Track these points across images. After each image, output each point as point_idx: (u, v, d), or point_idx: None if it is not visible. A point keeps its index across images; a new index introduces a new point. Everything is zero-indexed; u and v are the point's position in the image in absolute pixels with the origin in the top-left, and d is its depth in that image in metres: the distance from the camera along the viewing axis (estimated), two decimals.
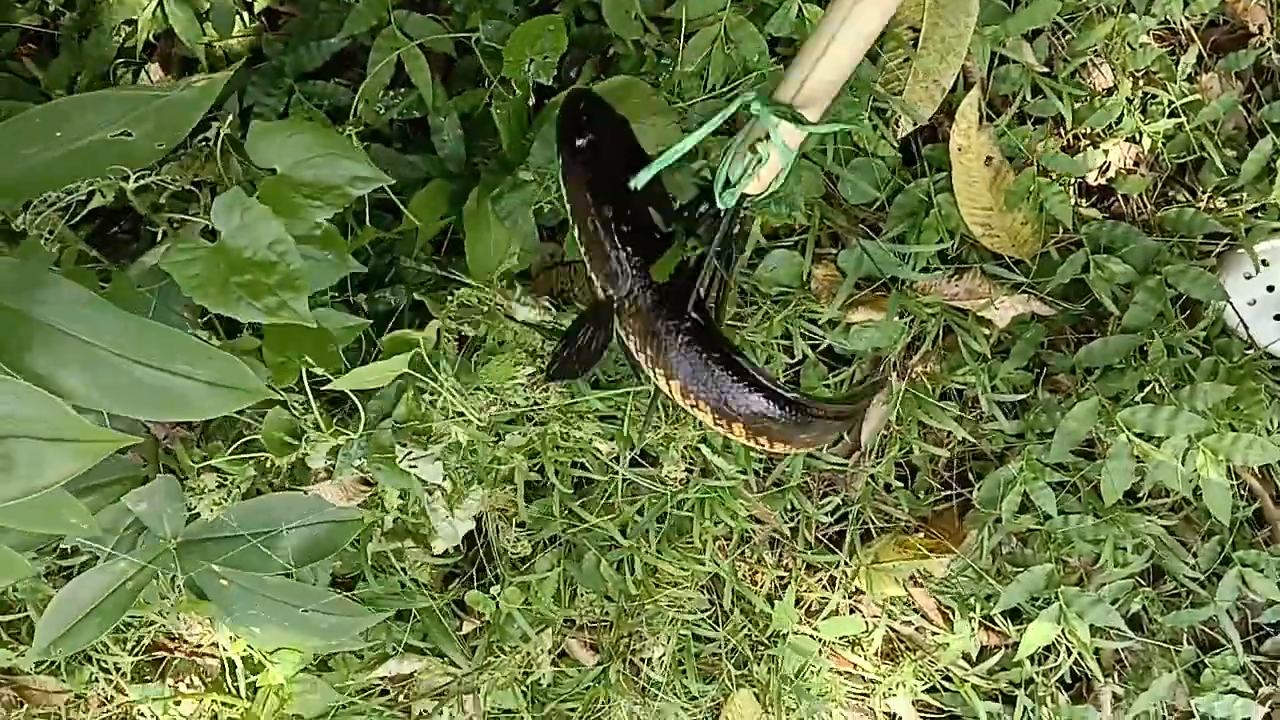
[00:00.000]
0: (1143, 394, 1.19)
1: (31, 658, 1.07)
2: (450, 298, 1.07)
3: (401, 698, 1.27)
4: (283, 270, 0.84)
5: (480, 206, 1.01)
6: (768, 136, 0.79)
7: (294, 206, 0.87)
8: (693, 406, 0.88)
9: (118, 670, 1.30)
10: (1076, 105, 1.21)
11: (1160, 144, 1.24)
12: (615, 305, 0.87)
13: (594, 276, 0.88)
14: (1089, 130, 1.24)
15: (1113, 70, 1.22)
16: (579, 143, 0.86)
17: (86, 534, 0.94)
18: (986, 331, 1.25)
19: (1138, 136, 1.23)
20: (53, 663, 1.28)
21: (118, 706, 1.34)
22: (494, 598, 1.26)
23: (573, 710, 1.30)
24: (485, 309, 1.08)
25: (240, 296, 0.83)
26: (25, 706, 1.33)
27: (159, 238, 0.94)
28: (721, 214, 0.83)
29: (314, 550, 1.10)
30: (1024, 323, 1.26)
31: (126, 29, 1.20)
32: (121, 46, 1.20)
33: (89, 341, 0.78)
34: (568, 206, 0.89)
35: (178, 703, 1.31)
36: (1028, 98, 1.21)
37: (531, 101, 1.06)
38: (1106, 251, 1.22)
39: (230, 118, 0.90)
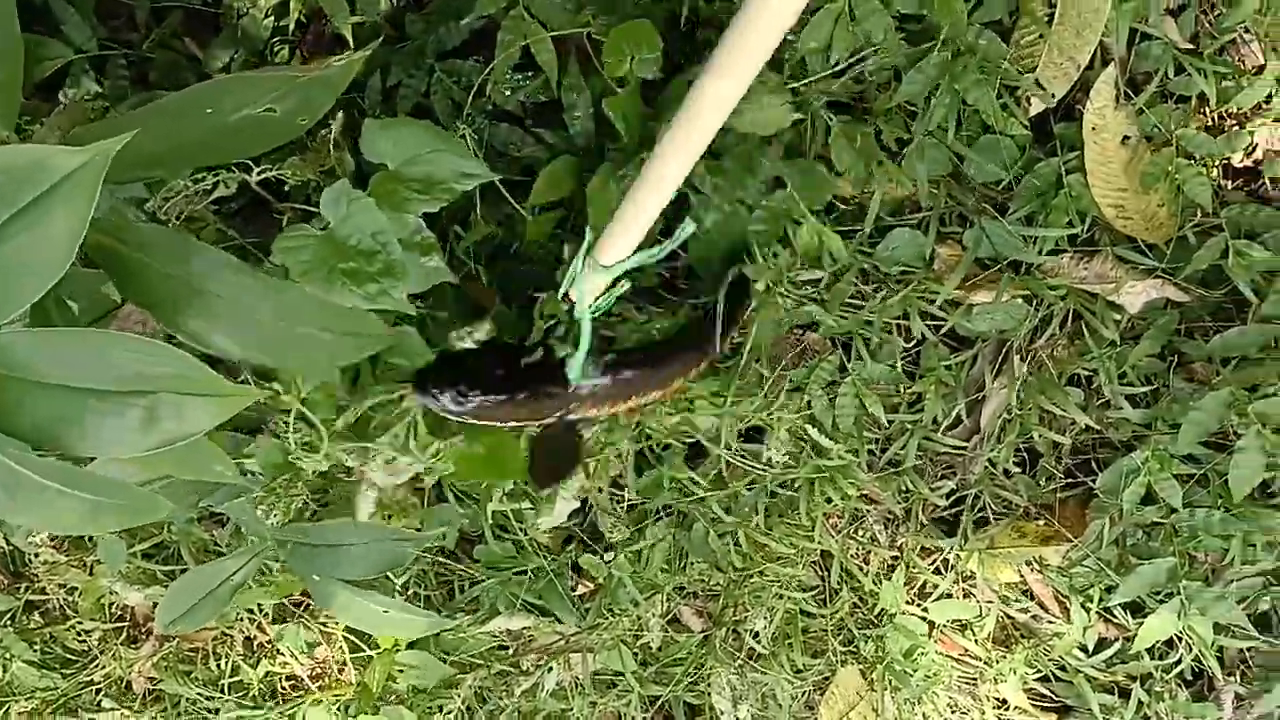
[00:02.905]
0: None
1: (158, 630, 1.18)
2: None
3: (513, 649, 1.33)
4: (384, 259, 0.90)
5: (606, 185, 1.04)
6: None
7: (402, 201, 0.93)
8: (643, 397, 1.11)
9: (260, 610, 1.39)
10: (1222, 84, 1.16)
11: None
12: (566, 415, 1.09)
13: (546, 421, 1.09)
14: (1234, 110, 1.18)
15: (1261, 47, 1.16)
16: (447, 397, 1.04)
17: (230, 480, 1.01)
18: (1117, 317, 1.22)
19: None
20: None
21: (259, 645, 1.44)
22: (606, 563, 1.30)
23: (676, 675, 1.34)
24: None
25: (344, 283, 0.89)
26: (176, 640, 1.44)
27: (285, 224, 1.01)
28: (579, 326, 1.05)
29: (384, 563, 1.18)
30: (1157, 309, 1.22)
31: (281, 9, 1.26)
32: (276, 25, 1.26)
33: (230, 301, 0.85)
34: (486, 422, 1.06)
35: (313, 648, 1.40)
36: (1169, 75, 1.17)
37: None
38: (1248, 237, 1.17)
39: (340, 116, 0.95)
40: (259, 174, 0.97)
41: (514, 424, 1.10)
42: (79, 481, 0.77)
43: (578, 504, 1.20)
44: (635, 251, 0.97)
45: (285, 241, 0.92)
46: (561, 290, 1.04)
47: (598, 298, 1.02)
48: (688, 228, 1.04)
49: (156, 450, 0.71)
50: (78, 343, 0.69)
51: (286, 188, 1.05)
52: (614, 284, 1.02)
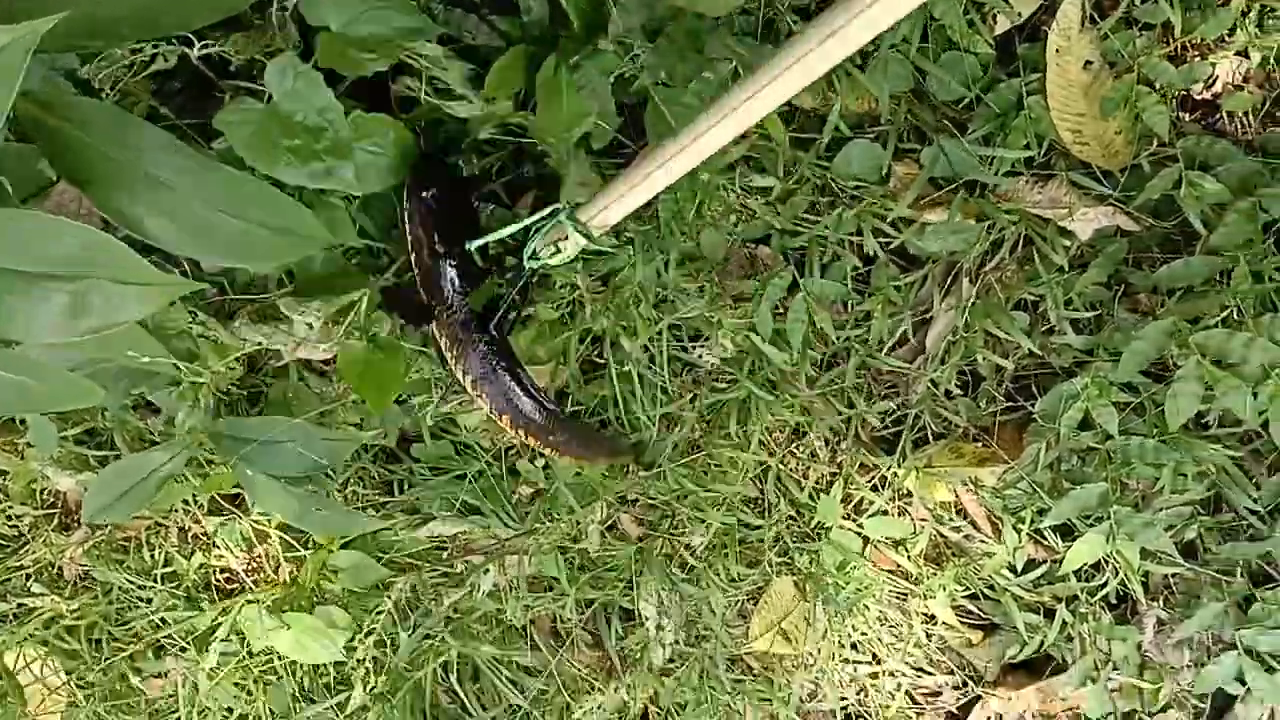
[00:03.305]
0: (1222, 318, 1.16)
1: (85, 520, 1.17)
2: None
3: (449, 551, 1.33)
4: (330, 138, 0.87)
5: (556, 75, 1.01)
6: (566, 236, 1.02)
7: (350, 62, 0.91)
8: (478, 397, 1.12)
9: (195, 501, 1.37)
10: (1187, 13, 1.15)
11: (1273, 61, 1.17)
12: (435, 312, 1.08)
13: (422, 290, 1.08)
14: (1198, 40, 1.17)
15: None
16: (424, 194, 1.04)
17: (161, 369, 0.99)
18: (1067, 243, 1.22)
19: (1249, 51, 1.17)
20: None
21: (194, 537, 1.42)
22: (545, 468, 1.29)
23: (611, 580, 1.35)
24: None
25: (289, 160, 0.87)
26: (109, 528, 1.42)
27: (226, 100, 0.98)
28: (524, 268, 1.07)
29: (318, 463, 1.17)
30: (1107, 237, 1.23)
31: None
32: None
33: (171, 186, 0.82)
34: (409, 239, 1.07)
35: (251, 548, 1.39)
36: (1136, 1, 1.16)
37: None
38: (1202, 169, 1.17)
39: None
40: (201, 48, 0.93)
41: (414, 266, 1.08)
42: (7, 362, 0.75)
43: None
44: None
45: (228, 115, 0.89)
46: (528, 250, 1.06)
47: (551, 250, 1.04)
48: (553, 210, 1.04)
49: (83, 338, 0.70)
50: (2, 222, 0.66)
51: (232, 67, 1.02)
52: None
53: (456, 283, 1.06)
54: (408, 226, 1.06)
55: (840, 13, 0.76)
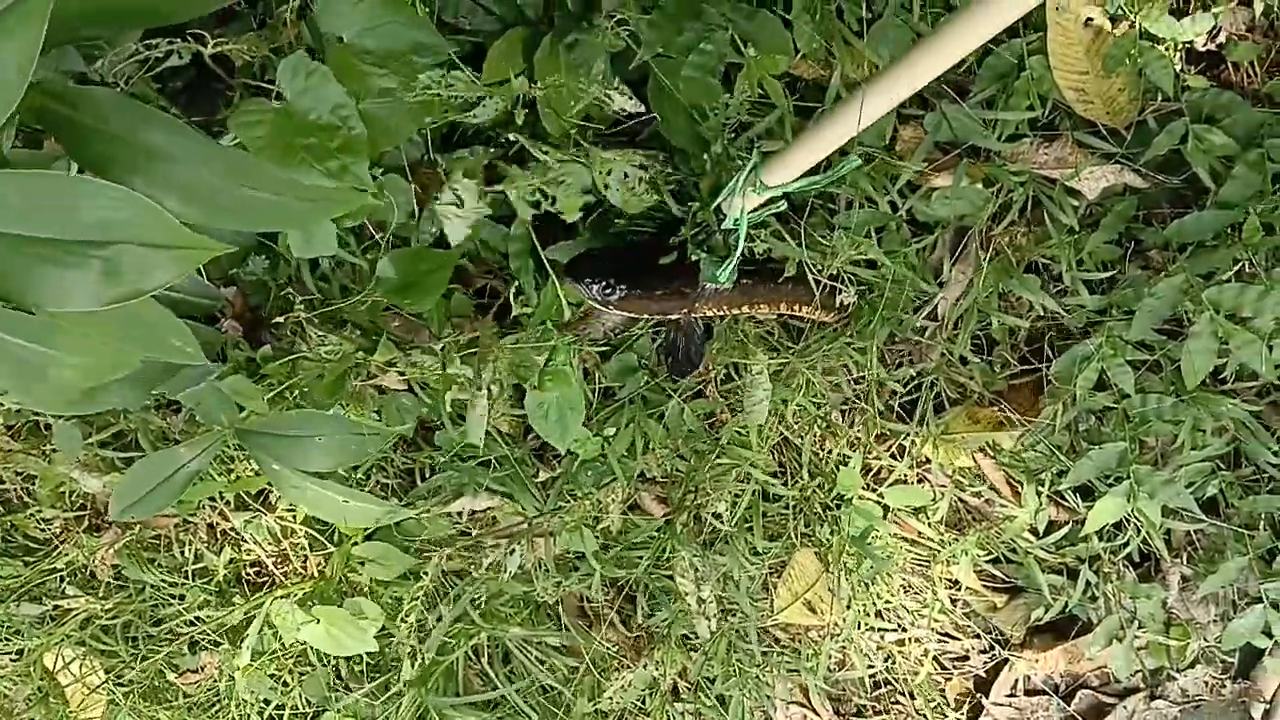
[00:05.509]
0: (1234, 272, 1.16)
1: (112, 516, 1.18)
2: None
3: (476, 532, 1.34)
4: (344, 135, 0.87)
5: (553, 54, 1.02)
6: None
7: (360, 74, 0.91)
8: (755, 308, 1.25)
9: (222, 498, 1.39)
10: None
11: (1276, 9, 1.17)
12: (688, 312, 1.20)
13: (671, 317, 1.21)
14: None
15: None
16: (597, 288, 1.15)
17: (189, 358, 0.99)
18: (1075, 203, 1.22)
19: (1251, 0, 1.16)
20: None
21: (222, 533, 1.44)
22: (590, 438, 1.30)
23: (639, 557, 1.35)
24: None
25: (303, 159, 0.87)
26: (138, 528, 1.43)
27: (235, 100, 0.98)
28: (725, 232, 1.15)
29: (346, 457, 1.19)
30: (1116, 195, 1.22)
31: None
32: None
33: (187, 164, 0.82)
34: (627, 315, 1.21)
35: (278, 542, 1.40)
36: None
37: None
38: (1208, 121, 1.17)
39: None
40: (214, 46, 0.93)
41: (645, 315, 1.21)
42: (31, 331, 0.75)
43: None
44: (800, 177, 1.04)
45: (242, 116, 0.89)
46: (715, 202, 1.11)
47: (752, 212, 1.09)
48: (851, 162, 1.07)
49: (114, 305, 0.69)
50: (36, 186, 0.65)
51: (238, 64, 1.02)
52: (769, 202, 1.09)
53: (692, 287, 1.18)
54: (624, 309, 1.18)
55: None
